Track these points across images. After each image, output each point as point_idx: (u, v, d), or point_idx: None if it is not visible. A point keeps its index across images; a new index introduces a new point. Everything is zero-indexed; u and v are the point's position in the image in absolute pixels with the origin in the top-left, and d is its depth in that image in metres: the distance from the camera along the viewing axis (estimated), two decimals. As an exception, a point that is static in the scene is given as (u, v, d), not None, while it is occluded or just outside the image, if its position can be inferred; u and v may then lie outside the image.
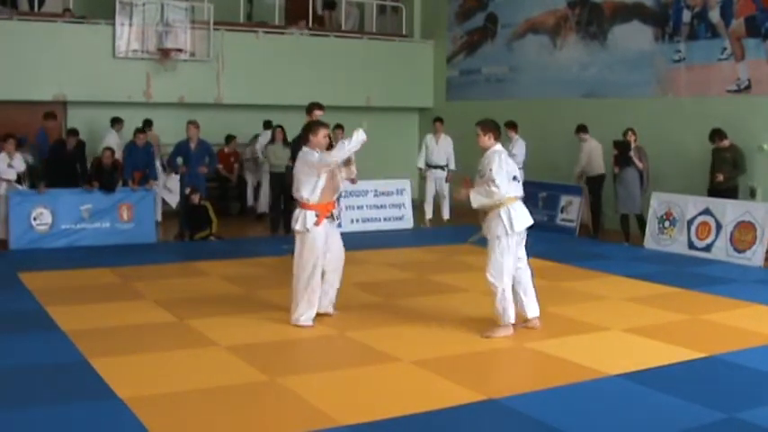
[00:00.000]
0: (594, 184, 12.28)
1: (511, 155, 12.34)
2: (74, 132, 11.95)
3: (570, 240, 12.04)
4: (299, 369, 5.91)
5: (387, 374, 5.77)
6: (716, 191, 10.86)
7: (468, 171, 14.25)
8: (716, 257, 10.42)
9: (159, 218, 12.91)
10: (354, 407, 5.06)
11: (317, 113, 8.49)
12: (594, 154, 12.27)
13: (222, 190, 14.12)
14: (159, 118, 13.46)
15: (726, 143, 10.78)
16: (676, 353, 6.28)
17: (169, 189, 13.15)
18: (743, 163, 10.80)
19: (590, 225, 12.43)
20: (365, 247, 10.89)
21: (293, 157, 7.48)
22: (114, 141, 12.70)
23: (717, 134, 10.79)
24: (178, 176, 12.09)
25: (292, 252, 7.10)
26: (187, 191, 11.53)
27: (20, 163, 11.11)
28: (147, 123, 13.05)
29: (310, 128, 7.02)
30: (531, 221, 6.86)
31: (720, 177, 10.71)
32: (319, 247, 6.82)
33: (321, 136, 6.85)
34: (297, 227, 6.83)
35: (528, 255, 7.09)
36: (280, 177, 11.57)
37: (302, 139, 7.17)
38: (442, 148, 13.38)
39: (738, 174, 10.81)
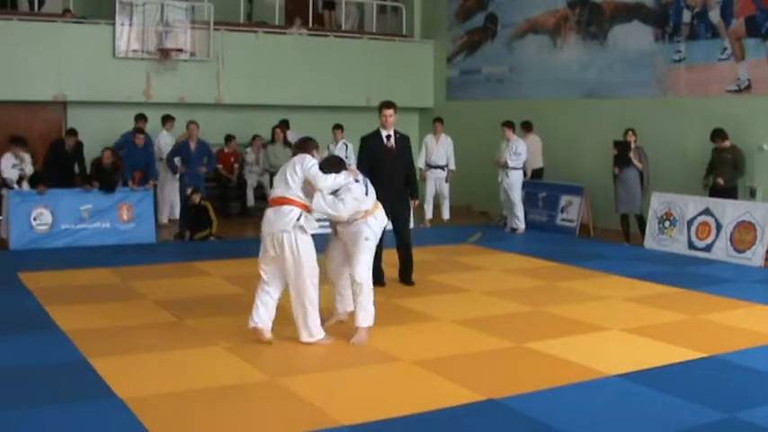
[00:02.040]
0: (535, 177, 13.32)
1: (513, 154, 12.53)
2: (72, 132, 11.95)
3: (570, 240, 12.05)
4: (299, 369, 5.91)
5: (387, 374, 5.78)
6: (716, 191, 10.86)
7: (470, 171, 14.38)
8: (716, 257, 10.43)
9: (166, 219, 12.90)
10: (354, 407, 5.06)
11: (387, 113, 8.43)
12: (534, 149, 13.17)
13: (222, 190, 14.12)
14: (159, 118, 13.44)
15: (726, 144, 10.79)
16: (676, 353, 6.28)
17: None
18: (743, 164, 10.80)
19: (590, 225, 12.46)
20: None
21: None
22: (167, 142, 12.84)
23: (718, 134, 10.79)
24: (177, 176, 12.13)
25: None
26: (188, 191, 11.54)
27: (28, 166, 11.15)
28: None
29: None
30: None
31: (721, 181, 10.71)
32: None
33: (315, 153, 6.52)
34: (306, 227, 6.26)
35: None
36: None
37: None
38: (441, 148, 13.38)
39: (738, 175, 10.82)
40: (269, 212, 6.29)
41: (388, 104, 8.50)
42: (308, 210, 6.21)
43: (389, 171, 8.30)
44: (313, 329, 6.34)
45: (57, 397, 5.12)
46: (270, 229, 6.22)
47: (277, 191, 6.30)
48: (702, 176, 11.06)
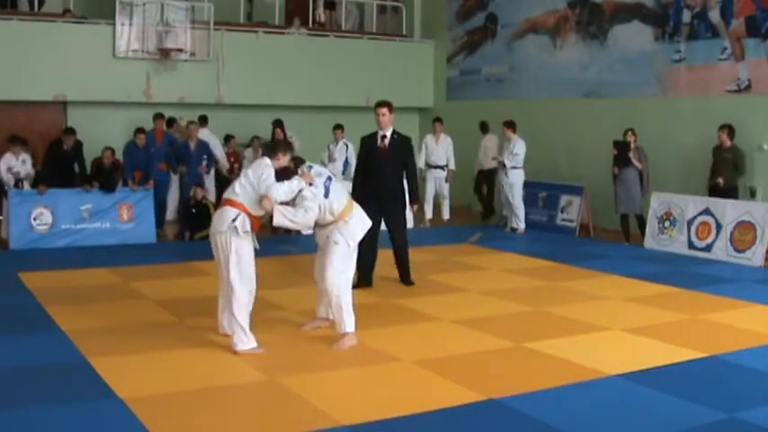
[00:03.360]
0: (490, 175, 13.59)
1: (511, 154, 12.54)
2: (71, 132, 11.94)
3: (570, 240, 12.05)
4: (299, 369, 5.90)
5: (387, 374, 5.78)
6: (716, 191, 10.86)
7: (470, 171, 14.38)
8: (716, 257, 10.43)
9: (172, 216, 12.85)
10: (354, 407, 5.06)
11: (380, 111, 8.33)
12: (489, 150, 13.51)
13: (221, 190, 14.09)
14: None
15: (727, 143, 10.78)
16: (676, 353, 6.28)
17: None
18: (743, 164, 10.80)
19: (590, 225, 12.46)
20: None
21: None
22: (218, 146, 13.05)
23: (724, 130, 10.71)
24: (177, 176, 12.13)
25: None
26: (192, 191, 11.55)
27: (28, 165, 11.15)
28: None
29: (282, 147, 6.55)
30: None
31: (721, 181, 10.71)
32: None
33: (288, 159, 6.35)
34: (240, 228, 6.08)
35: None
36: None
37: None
38: (441, 148, 13.39)
39: (738, 175, 10.81)
40: (215, 215, 6.33)
41: (380, 103, 8.41)
42: (248, 213, 6.08)
43: (381, 171, 8.26)
44: (239, 335, 6.07)
45: (57, 397, 5.12)
46: (211, 231, 6.26)
47: (225, 193, 6.32)
48: (707, 177, 11.01)
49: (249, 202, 6.07)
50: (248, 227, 6.09)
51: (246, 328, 6.08)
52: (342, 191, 6.56)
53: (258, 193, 6.04)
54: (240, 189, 6.10)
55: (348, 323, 6.35)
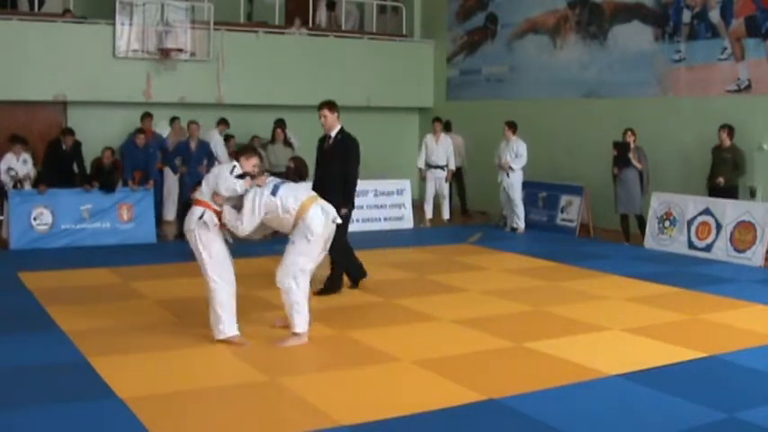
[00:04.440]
0: (459, 174, 14.16)
1: (515, 156, 12.52)
2: (70, 132, 11.93)
3: (570, 240, 12.05)
4: (299, 369, 5.91)
5: (387, 374, 5.77)
6: (716, 190, 10.86)
7: (470, 170, 14.38)
8: (716, 257, 10.43)
9: (171, 217, 12.86)
10: (354, 407, 5.06)
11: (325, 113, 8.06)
12: (454, 149, 13.62)
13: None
14: (159, 118, 13.45)
15: (727, 143, 10.78)
16: (676, 353, 6.28)
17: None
18: (743, 164, 10.80)
19: (590, 225, 12.46)
20: (365, 247, 10.89)
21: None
22: (218, 141, 13.07)
23: (725, 129, 10.73)
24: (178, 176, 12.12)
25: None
26: (193, 191, 11.55)
27: (29, 165, 11.15)
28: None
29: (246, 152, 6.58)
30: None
31: (721, 181, 10.71)
32: None
33: (251, 165, 6.38)
34: (208, 222, 6.28)
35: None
36: (280, 177, 11.54)
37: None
38: (441, 148, 13.39)
39: (739, 175, 10.82)
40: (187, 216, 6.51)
41: (320, 105, 8.14)
42: (214, 210, 6.26)
43: (324, 172, 8.01)
44: (217, 326, 6.27)
45: (57, 397, 5.12)
46: (184, 231, 6.46)
47: (194, 194, 6.54)
48: (707, 177, 11.01)
49: (211, 200, 6.30)
50: (216, 221, 6.27)
51: (226, 318, 6.25)
52: (298, 189, 6.46)
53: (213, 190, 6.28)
54: (206, 188, 6.33)
55: (298, 323, 6.32)
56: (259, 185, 6.28)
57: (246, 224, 6.24)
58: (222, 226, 6.35)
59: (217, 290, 6.24)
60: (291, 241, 6.38)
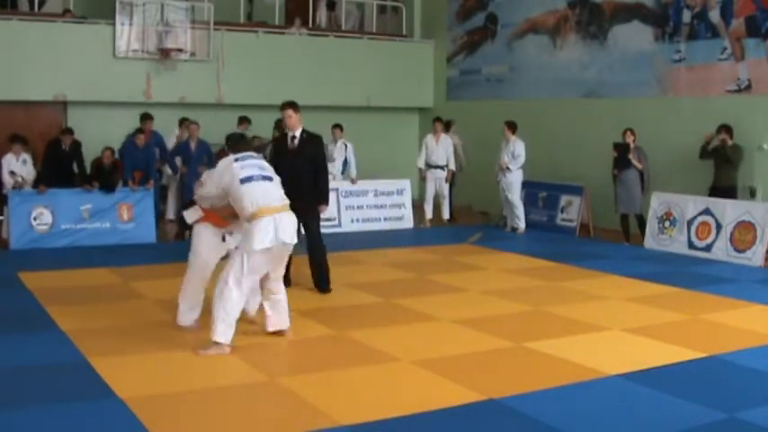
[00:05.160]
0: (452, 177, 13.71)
1: (513, 156, 12.53)
2: (69, 131, 11.92)
3: (570, 240, 12.05)
4: (299, 369, 5.91)
5: (387, 374, 5.78)
6: (715, 190, 10.87)
7: (470, 170, 14.37)
8: (716, 257, 10.43)
9: (172, 216, 12.85)
10: (354, 407, 5.06)
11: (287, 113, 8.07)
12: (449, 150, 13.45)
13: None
14: (159, 118, 13.44)
15: (728, 143, 10.76)
16: (676, 353, 6.28)
17: None
18: (736, 158, 10.74)
19: (590, 225, 12.47)
20: (365, 247, 10.91)
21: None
22: None
23: (723, 129, 10.74)
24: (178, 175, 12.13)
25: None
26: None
27: (29, 165, 11.14)
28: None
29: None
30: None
31: (721, 180, 10.70)
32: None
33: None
34: (187, 217, 6.89)
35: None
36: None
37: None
38: (441, 148, 13.38)
39: (732, 169, 10.78)
40: None
41: (284, 105, 8.11)
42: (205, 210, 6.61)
43: (290, 172, 7.66)
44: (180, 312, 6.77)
45: (57, 397, 5.13)
46: None
47: None
48: (710, 178, 11.01)
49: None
50: (196, 214, 6.62)
51: (181, 307, 6.74)
52: (268, 191, 6.16)
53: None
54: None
55: (218, 332, 6.00)
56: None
57: (208, 187, 6.40)
58: (222, 225, 6.47)
59: (189, 279, 6.73)
60: (236, 247, 6.35)
